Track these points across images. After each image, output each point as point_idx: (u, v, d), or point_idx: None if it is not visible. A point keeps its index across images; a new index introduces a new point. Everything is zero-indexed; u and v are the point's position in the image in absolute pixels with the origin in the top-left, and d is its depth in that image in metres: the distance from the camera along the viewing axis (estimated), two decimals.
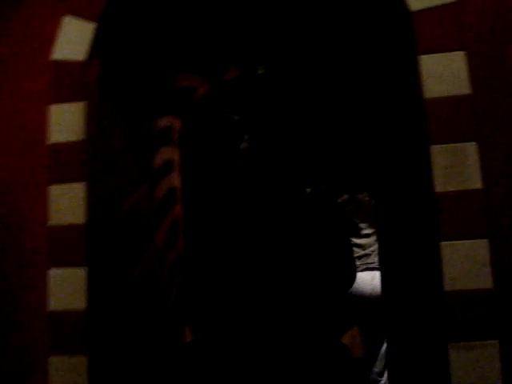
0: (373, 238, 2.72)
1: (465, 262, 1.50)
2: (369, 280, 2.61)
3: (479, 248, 1.49)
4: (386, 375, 2.65)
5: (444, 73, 1.57)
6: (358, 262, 2.54)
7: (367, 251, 2.77)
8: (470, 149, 1.54)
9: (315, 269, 1.94)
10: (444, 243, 1.52)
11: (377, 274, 2.48)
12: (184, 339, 2.36)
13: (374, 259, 2.69)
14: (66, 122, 1.77)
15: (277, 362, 1.66)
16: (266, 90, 3.11)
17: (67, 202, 1.75)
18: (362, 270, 2.60)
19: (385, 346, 2.62)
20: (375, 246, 2.65)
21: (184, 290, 2.31)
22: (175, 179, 2.62)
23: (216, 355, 1.77)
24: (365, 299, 2.63)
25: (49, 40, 1.85)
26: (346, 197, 2.83)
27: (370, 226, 2.74)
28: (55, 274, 1.72)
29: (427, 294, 1.63)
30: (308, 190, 2.77)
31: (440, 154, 1.55)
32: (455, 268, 1.50)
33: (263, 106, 3.22)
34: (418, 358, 1.73)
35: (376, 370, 2.68)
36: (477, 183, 1.53)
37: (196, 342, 1.88)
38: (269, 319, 1.72)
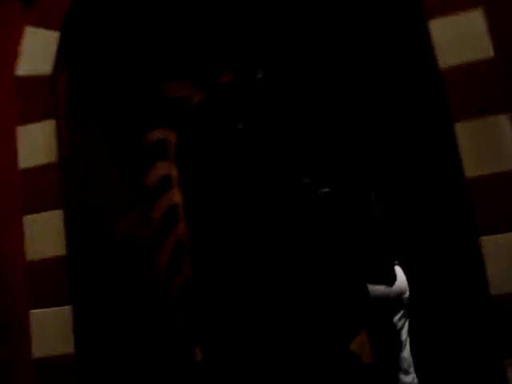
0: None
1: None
2: None
3: None
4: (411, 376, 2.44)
5: (458, 36, 1.32)
6: None
7: None
8: (502, 121, 1.28)
9: (335, 273, 1.84)
10: (484, 238, 1.26)
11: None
12: (195, 358, 2.24)
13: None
14: (35, 143, 1.58)
15: (287, 379, 1.55)
16: (266, 92, 2.90)
17: (45, 233, 1.55)
18: None
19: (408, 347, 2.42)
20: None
21: (194, 311, 2.14)
22: (175, 195, 2.41)
23: (226, 371, 1.71)
24: (385, 295, 2.47)
25: (13, 54, 1.67)
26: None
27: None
28: (37, 316, 1.51)
29: (471, 302, 1.36)
30: (323, 191, 2.56)
31: (466, 132, 1.30)
32: (500, 267, 1.23)
33: (265, 109, 3.01)
34: (471, 378, 1.45)
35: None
36: None
37: (206, 360, 1.82)
38: (279, 337, 1.61)
